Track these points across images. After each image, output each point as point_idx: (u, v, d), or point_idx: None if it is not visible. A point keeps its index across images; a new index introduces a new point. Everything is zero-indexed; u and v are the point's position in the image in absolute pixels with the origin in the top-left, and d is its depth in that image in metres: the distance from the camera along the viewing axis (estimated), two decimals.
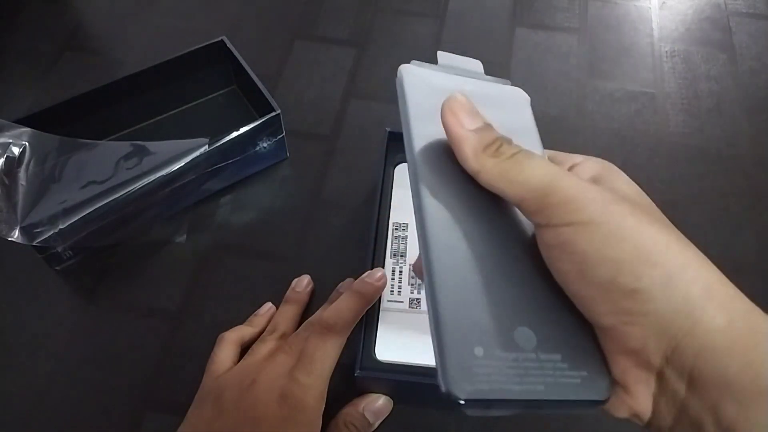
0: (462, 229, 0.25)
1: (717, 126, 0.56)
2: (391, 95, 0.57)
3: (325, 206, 0.50)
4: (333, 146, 0.54)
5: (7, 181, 0.44)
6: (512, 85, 0.32)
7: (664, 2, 0.65)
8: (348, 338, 0.37)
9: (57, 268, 0.47)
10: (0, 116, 0.45)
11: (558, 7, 0.64)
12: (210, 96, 0.55)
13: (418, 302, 0.40)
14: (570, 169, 0.27)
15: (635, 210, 0.22)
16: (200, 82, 0.54)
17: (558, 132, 0.55)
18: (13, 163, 0.44)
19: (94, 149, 0.46)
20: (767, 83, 0.58)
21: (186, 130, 0.48)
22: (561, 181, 0.23)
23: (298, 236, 0.49)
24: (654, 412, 0.22)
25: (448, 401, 0.21)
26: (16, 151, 0.45)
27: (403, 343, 0.38)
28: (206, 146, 0.45)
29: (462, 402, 0.21)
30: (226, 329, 0.41)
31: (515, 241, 0.25)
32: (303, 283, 0.45)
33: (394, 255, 0.42)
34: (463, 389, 0.21)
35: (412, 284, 0.41)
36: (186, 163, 0.45)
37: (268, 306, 0.44)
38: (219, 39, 0.51)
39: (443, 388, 0.21)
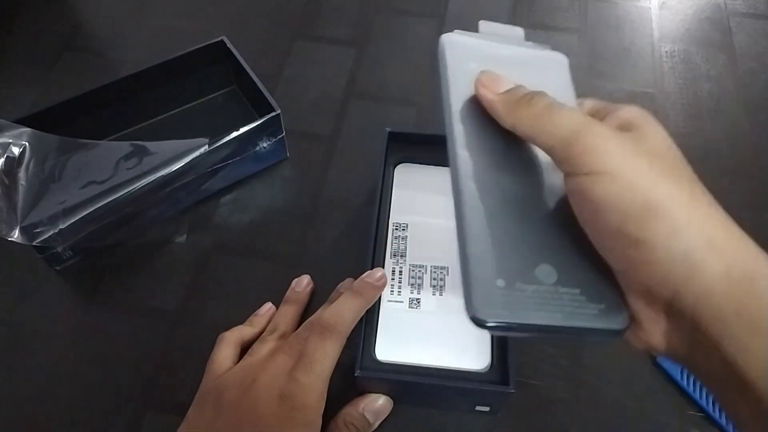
0: (493, 177, 0.28)
1: (717, 126, 0.56)
2: (391, 95, 0.57)
3: (325, 206, 0.50)
4: (333, 146, 0.54)
5: (7, 181, 0.44)
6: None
7: (664, 2, 0.65)
8: (348, 338, 0.37)
9: (57, 268, 0.47)
10: (0, 116, 0.45)
11: (558, 7, 0.64)
12: (210, 96, 0.55)
13: (418, 302, 0.40)
14: (605, 116, 0.28)
15: (653, 163, 0.24)
16: (200, 82, 0.54)
17: None
18: (13, 163, 0.44)
19: (94, 149, 0.46)
20: (767, 83, 0.58)
21: (186, 130, 0.48)
22: (586, 130, 0.24)
23: (298, 236, 0.49)
24: (667, 345, 0.25)
25: (476, 325, 0.24)
26: (16, 151, 0.45)
27: (403, 343, 0.38)
28: (206, 146, 0.45)
29: (488, 325, 0.24)
30: (226, 329, 0.41)
31: (546, 189, 0.28)
32: (303, 283, 0.45)
33: (394, 255, 0.42)
34: (485, 314, 0.24)
35: (412, 284, 0.41)
36: (186, 163, 0.45)
37: (268, 306, 0.44)
38: (219, 39, 0.51)
39: (469, 314, 0.25)
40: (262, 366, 0.36)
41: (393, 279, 0.41)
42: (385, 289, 0.40)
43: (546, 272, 0.26)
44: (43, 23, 0.62)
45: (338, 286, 0.43)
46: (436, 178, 0.46)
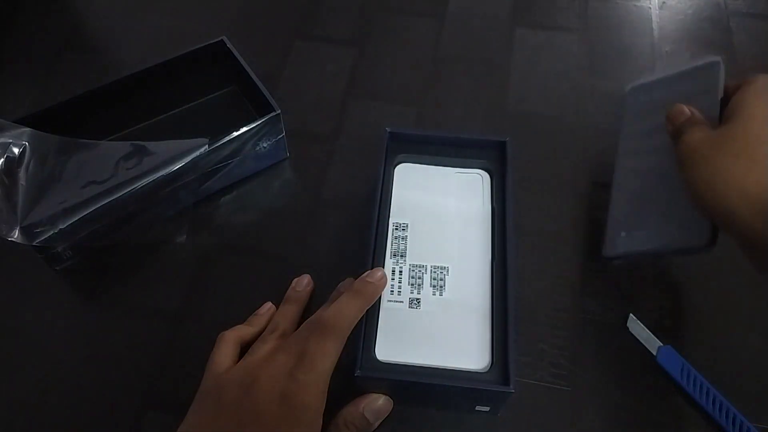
0: (634, 165, 0.46)
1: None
2: (391, 95, 0.57)
3: (325, 206, 0.50)
4: (333, 146, 0.54)
5: (7, 181, 0.44)
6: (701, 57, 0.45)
7: (664, 2, 0.65)
8: (348, 338, 0.37)
9: (57, 268, 0.47)
10: (0, 116, 0.45)
11: (558, 7, 0.64)
12: (210, 96, 0.55)
13: (418, 302, 0.40)
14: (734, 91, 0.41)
15: (713, 149, 0.37)
16: (200, 82, 0.54)
17: (558, 132, 0.55)
18: (13, 163, 0.44)
19: (94, 149, 0.46)
20: None
21: (186, 130, 0.48)
22: (689, 136, 0.39)
23: (298, 236, 0.49)
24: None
25: (605, 259, 0.45)
26: (16, 151, 0.45)
27: (403, 343, 0.38)
28: (206, 146, 0.45)
29: (608, 258, 0.45)
30: (227, 329, 0.41)
31: (666, 167, 0.42)
32: (303, 282, 0.45)
33: (394, 255, 0.42)
34: (609, 252, 0.45)
35: (412, 284, 0.41)
36: (186, 163, 0.45)
37: (268, 306, 0.44)
38: (219, 39, 0.51)
39: (603, 253, 0.46)
40: (263, 365, 0.36)
41: (393, 279, 0.41)
42: (385, 288, 0.40)
43: (657, 222, 0.42)
44: (43, 23, 0.62)
45: (338, 285, 0.43)
46: (436, 178, 0.46)
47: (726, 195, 0.36)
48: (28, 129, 0.45)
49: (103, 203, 0.43)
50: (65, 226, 0.42)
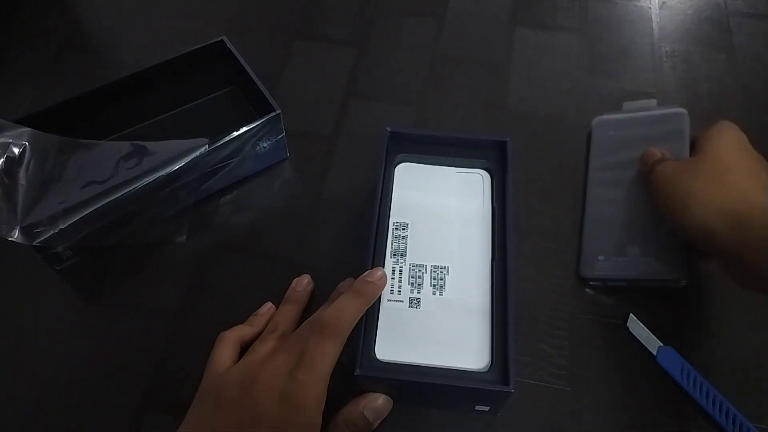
0: (605, 194, 0.48)
1: None
2: (391, 95, 0.57)
3: (325, 206, 0.50)
4: (333, 146, 0.54)
5: (7, 181, 0.44)
6: (653, 101, 0.50)
7: (664, 2, 0.65)
8: (348, 338, 0.37)
9: (57, 268, 0.47)
10: (0, 116, 0.45)
11: (558, 7, 0.64)
12: (210, 96, 0.55)
13: (418, 302, 0.40)
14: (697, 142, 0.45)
15: (686, 174, 0.41)
16: (200, 82, 0.54)
17: (558, 132, 0.55)
18: (13, 163, 0.44)
19: (94, 149, 0.46)
20: (767, 83, 0.58)
21: (186, 130, 0.48)
22: (662, 167, 0.43)
23: (298, 236, 0.49)
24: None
25: (583, 281, 0.47)
26: (16, 151, 0.45)
27: (403, 342, 0.38)
28: (206, 146, 0.45)
29: (585, 279, 0.47)
30: (226, 329, 0.41)
31: (638, 196, 0.46)
32: (303, 282, 0.45)
33: (394, 255, 0.42)
34: (586, 275, 0.47)
35: (412, 284, 0.41)
36: (186, 163, 0.45)
37: (268, 306, 0.44)
38: (219, 39, 0.51)
39: (580, 274, 0.47)
40: (262, 365, 0.36)
41: (393, 279, 0.41)
42: (385, 288, 0.40)
43: (634, 250, 0.45)
44: (43, 23, 0.62)
45: (338, 285, 0.43)
46: (436, 177, 0.46)
47: (702, 214, 0.39)
48: (28, 129, 0.45)
49: (103, 203, 0.43)
50: (65, 226, 0.42)
